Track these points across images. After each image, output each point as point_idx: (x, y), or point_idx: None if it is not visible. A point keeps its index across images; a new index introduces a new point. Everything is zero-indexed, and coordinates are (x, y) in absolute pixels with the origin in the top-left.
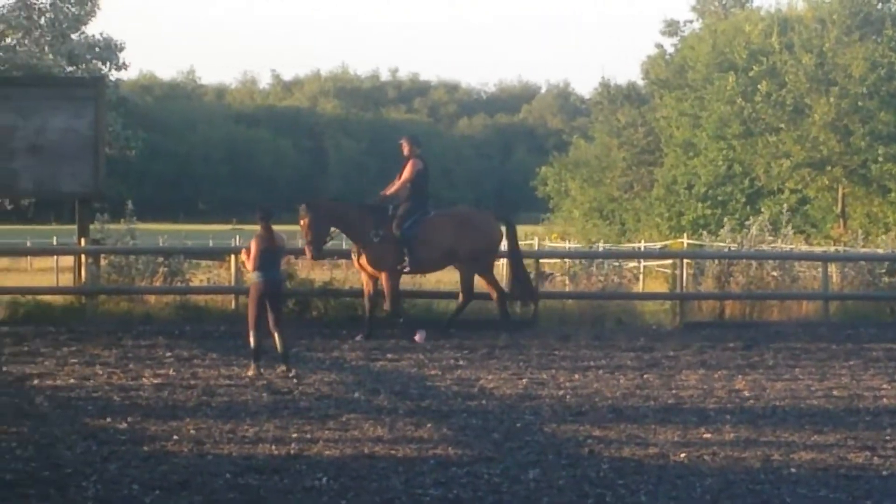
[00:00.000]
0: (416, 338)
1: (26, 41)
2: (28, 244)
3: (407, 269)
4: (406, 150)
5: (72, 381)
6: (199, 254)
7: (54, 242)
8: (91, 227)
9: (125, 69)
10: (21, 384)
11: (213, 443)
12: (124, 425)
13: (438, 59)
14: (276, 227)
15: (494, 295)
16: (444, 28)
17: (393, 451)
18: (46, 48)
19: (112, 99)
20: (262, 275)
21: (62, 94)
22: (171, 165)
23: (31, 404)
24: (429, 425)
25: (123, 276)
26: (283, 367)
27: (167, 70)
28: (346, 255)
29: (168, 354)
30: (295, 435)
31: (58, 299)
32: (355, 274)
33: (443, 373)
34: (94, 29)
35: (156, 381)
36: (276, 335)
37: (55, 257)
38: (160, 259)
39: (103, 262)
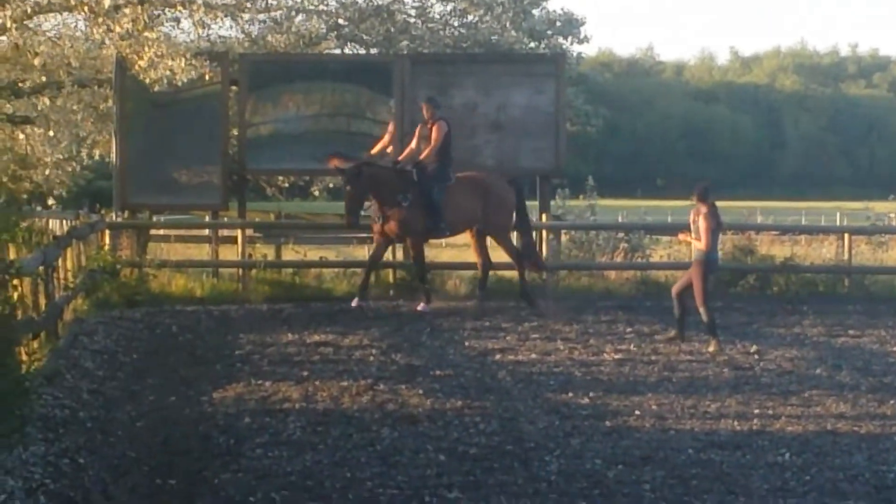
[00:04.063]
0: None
1: (487, 18)
2: None
3: (448, 234)
4: (427, 114)
5: (533, 356)
6: (659, 229)
7: None
8: (552, 203)
9: (586, 43)
10: (484, 359)
11: (675, 418)
12: (586, 400)
13: None
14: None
15: (480, 262)
16: None
17: (856, 428)
18: (508, 24)
19: (572, 75)
20: (710, 254)
21: (523, 71)
22: (630, 142)
23: (493, 379)
24: (892, 402)
25: (584, 251)
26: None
27: (626, 47)
28: None
29: (628, 330)
30: (757, 411)
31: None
32: (815, 250)
33: None
34: (556, 4)
35: (616, 357)
36: (702, 309)
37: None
38: (620, 235)
39: (564, 238)
